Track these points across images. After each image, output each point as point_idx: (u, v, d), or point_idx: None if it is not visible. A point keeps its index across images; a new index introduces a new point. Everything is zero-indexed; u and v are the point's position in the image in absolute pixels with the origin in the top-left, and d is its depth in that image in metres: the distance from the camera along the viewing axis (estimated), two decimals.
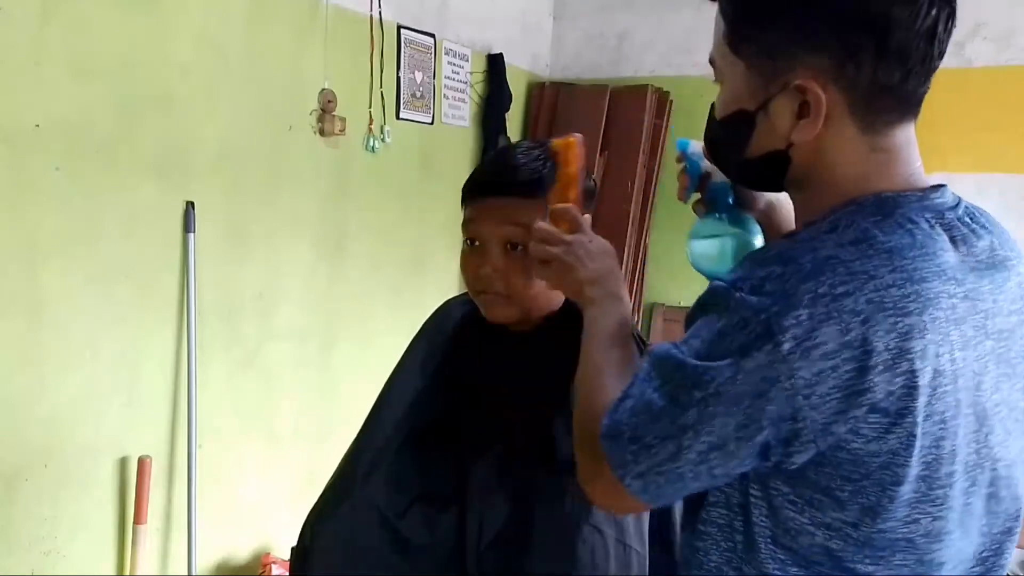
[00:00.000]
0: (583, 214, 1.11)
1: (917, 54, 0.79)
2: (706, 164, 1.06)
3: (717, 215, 1.07)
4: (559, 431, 1.07)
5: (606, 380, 0.90)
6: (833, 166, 0.84)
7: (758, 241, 1.07)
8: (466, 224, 1.16)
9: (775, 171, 0.88)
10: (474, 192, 1.16)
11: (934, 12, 0.78)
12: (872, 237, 0.77)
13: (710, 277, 0.86)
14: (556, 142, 1.12)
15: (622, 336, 0.97)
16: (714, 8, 0.89)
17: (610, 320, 0.97)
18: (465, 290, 1.22)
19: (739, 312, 0.76)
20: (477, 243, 1.15)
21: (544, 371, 1.13)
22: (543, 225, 1.04)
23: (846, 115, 0.82)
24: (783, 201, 1.07)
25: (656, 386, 0.79)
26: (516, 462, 1.07)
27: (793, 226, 0.99)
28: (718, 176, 1.05)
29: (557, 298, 1.19)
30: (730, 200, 1.07)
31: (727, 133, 0.90)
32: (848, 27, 0.79)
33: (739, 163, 0.91)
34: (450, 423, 1.15)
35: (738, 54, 0.86)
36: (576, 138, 1.11)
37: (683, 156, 1.09)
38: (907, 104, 0.83)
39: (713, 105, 0.93)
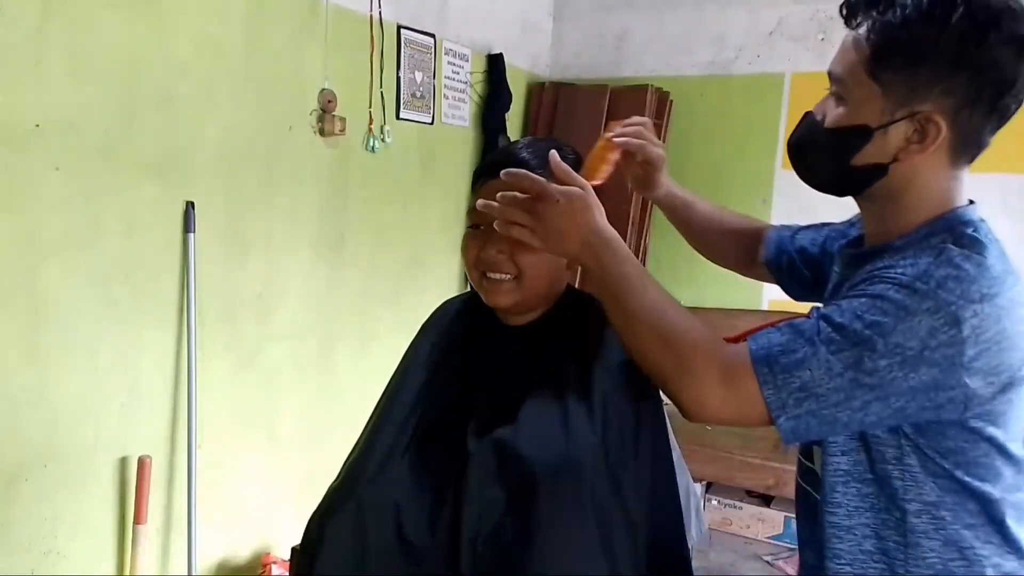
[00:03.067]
0: None
1: (1009, 114, 0.99)
2: None
3: None
4: (560, 422, 1.07)
5: (676, 309, 1.01)
6: (923, 187, 1.03)
7: None
8: (471, 211, 1.15)
9: (867, 181, 1.04)
10: (480, 175, 1.17)
11: None
12: (984, 248, 0.97)
13: None
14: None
15: (646, 273, 1.04)
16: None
17: (631, 261, 1.04)
18: (465, 291, 1.21)
19: (929, 301, 0.92)
20: (482, 227, 1.14)
21: (543, 364, 1.13)
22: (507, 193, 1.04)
23: (946, 148, 1.00)
24: (687, 196, 1.41)
25: (834, 349, 0.93)
26: (516, 454, 1.06)
27: (692, 214, 1.41)
28: None
29: (559, 282, 1.19)
30: None
31: (837, 141, 1.04)
32: (982, 80, 0.96)
33: (842, 168, 1.05)
34: (452, 418, 1.15)
35: (876, 80, 0.99)
36: (605, 140, 1.21)
37: None
38: (983, 149, 1.03)
39: (810, 113, 1.08)
